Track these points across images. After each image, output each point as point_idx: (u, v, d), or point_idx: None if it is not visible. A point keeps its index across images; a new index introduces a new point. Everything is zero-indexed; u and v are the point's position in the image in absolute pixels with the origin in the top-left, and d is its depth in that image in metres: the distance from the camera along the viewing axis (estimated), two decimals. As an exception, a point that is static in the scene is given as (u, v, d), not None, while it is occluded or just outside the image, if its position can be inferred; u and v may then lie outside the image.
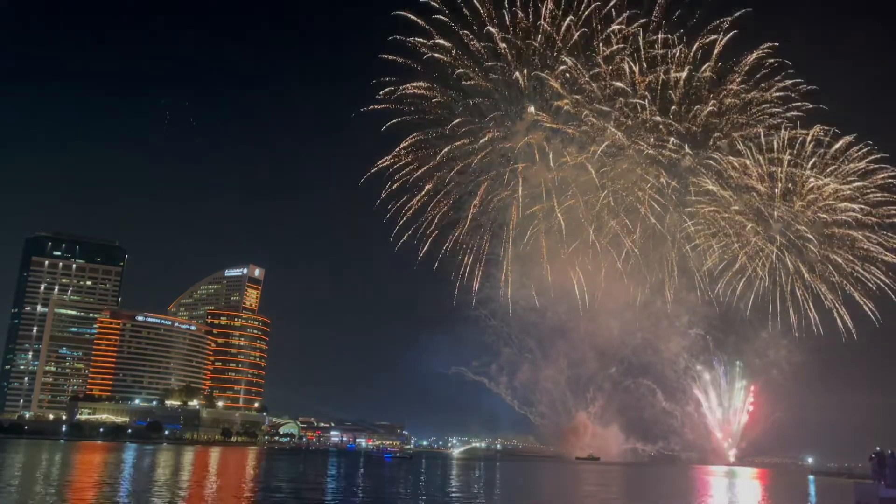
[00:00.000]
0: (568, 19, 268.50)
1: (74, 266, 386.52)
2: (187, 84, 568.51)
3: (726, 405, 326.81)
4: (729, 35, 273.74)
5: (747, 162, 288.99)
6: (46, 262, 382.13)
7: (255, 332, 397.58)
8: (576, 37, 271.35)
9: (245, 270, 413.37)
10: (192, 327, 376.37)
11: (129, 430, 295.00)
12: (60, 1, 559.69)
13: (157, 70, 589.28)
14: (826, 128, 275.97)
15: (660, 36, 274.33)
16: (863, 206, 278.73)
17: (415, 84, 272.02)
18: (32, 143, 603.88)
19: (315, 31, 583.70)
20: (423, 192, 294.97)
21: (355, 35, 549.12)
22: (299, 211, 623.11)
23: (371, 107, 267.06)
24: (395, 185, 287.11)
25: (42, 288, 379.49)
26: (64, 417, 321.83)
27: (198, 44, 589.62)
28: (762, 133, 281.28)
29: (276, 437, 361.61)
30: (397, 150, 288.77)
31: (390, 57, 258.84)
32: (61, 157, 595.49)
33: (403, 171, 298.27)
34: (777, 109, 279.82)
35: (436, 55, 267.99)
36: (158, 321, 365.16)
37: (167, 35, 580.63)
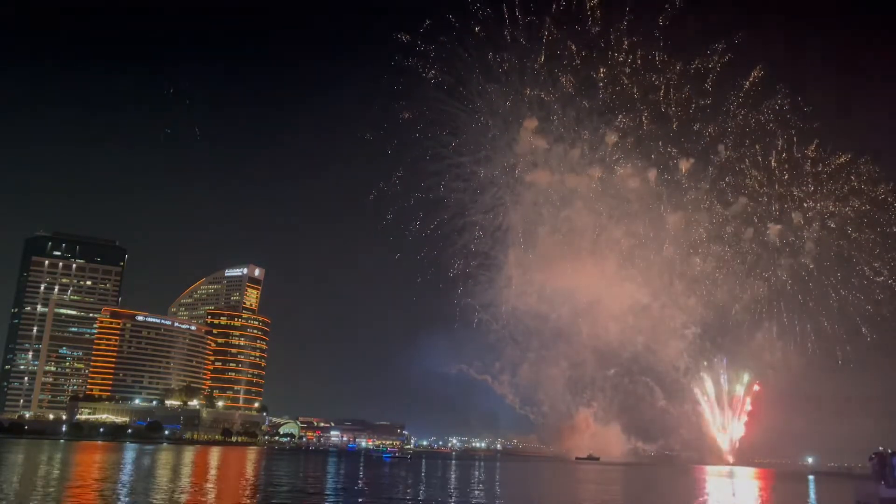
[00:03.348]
0: (569, 43, 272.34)
1: (74, 266, 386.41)
2: (188, 84, 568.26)
3: (726, 405, 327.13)
4: (726, 57, 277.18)
5: (746, 181, 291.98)
6: (46, 262, 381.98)
7: (255, 332, 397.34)
8: (577, 60, 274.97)
9: (245, 270, 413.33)
10: (192, 327, 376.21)
11: (130, 430, 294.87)
12: (60, 1, 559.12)
13: (158, 71, 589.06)
14: (823, 146, 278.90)
15: (658, 56, 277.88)
16: (859, 222, 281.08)
17: (421, 95, 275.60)
18: (32, 142, 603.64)
19: (317, 33, 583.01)
20: (428, 198, 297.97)
21: (359, 41, 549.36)
22: (299, 211, 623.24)
23: (374, 132, 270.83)
24: (400, 191, 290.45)
25: (42, 288, 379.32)
26: (64, 417, 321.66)
27: (199, 45, 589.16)
28: (759, 149, 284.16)
29: (276, 437, 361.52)
30: (403, 156, 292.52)
31: (391, 77, 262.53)
32: (61, 156, 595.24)
33: (408, 178, 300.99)
34: (775, 128, 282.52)
35: (441, 71, 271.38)
36: (158, 321, 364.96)
37: (169, 36, 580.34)
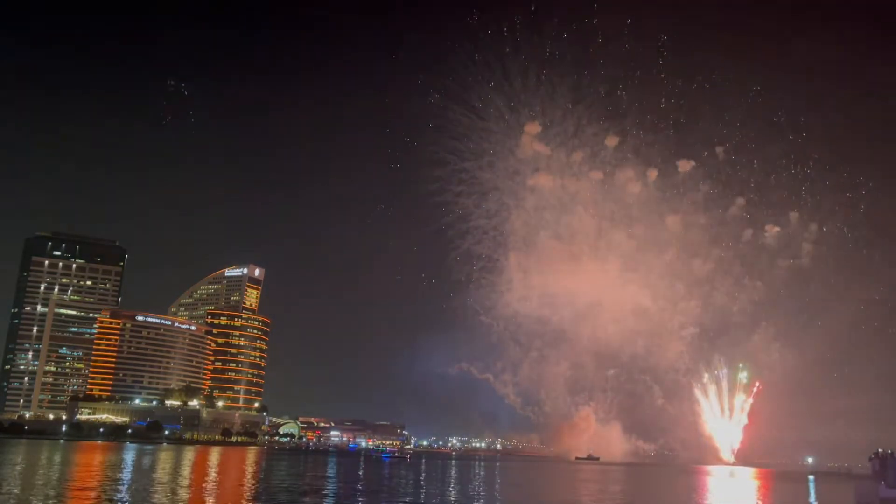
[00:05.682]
0: (568, 56, 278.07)
1: (74, 266, 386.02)
2: (188, 84, 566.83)
3: (725, 405, 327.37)
4: (722, 75, 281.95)
5: (745, 185, 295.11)
6: (46, 262, 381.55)
7: (255, 332, 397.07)
8: (577, 76, 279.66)
9: (245, 270, 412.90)
10: (192, 327, 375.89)
11: (130, 430, 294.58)
12: (60, 1, 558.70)
13: (157, 70, 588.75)
14: (822, 161, 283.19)
15: (655, 72, 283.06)
16: (856, 238, 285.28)
17: (425, 103, 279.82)
18: (32, 142, 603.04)
19: (316, 33, 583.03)
20: (432, 202, 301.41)
21: (364, 46, 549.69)
22: (300, 211, 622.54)
23: (378, 138, 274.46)
24: (403, 194, 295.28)
25: (42, 288, 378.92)
26: (64, 417, 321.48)
27: (199, 45, 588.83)
28: (757, 163, 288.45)
29: (276, 437, 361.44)
30: (407, 159, 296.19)
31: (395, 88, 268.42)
32: (61, 156, 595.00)
33: (412, 182, 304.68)
34: (773, 147, 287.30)
35: (446, 81, 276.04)
36: (158, 321, 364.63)
37: (169, 35, 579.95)
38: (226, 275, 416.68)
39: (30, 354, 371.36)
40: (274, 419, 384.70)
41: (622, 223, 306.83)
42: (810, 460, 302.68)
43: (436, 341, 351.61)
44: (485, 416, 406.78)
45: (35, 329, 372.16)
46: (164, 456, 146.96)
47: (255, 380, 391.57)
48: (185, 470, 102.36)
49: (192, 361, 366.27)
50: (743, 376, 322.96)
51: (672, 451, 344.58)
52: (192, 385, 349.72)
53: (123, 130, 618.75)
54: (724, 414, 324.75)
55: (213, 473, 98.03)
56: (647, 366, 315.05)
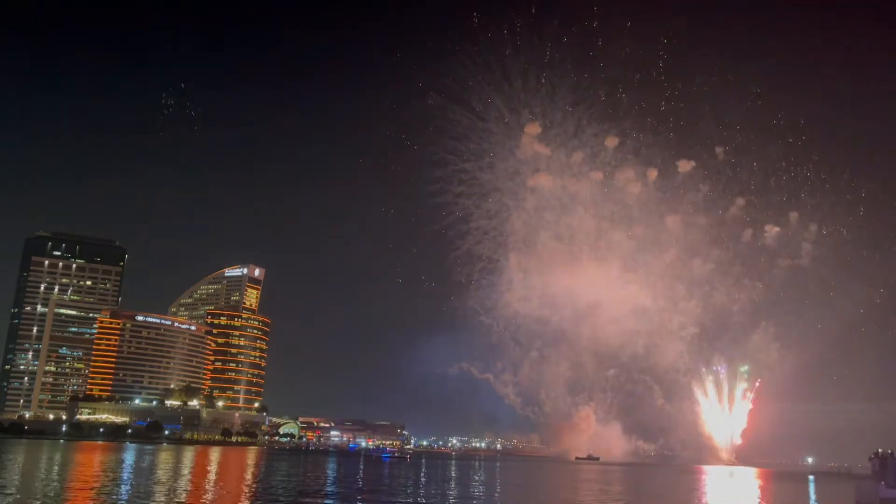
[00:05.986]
0: (568, 58, 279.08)
1: (74, 266, 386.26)
2: (189, 84, 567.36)
3: (725, 405, 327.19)
4: (722, 77, 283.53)
5: (744, 185, 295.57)
6: (46, 262, 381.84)
7: (255, 332, 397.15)
8: (576, 78, 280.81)
9: (245, 270, 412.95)
10: (192, 327, 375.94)
11: (130, 430, 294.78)
12: (61, 1, 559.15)
13: (158, 70, 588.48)
14: (821, 164, 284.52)
15: (654, 74, 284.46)
16: (855, 239, 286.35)
17: (426, 105, 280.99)
18: (32, 142, 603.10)
19: (316, 34, 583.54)
20: (433, 203, 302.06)
21: (355, 38, 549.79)
22: (300, 211, 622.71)
23: (379, 139, 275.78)
24: (404, 195, 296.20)
25: (42, 288, 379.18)
26: (64, 417, 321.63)
27: (200, 45, 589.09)
28: (756, 165, 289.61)
29: (276, 437, 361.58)
30: (408, 161, 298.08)
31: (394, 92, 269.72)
32: (61, 156, 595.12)
33: (413, 183, 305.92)
34: (773, 149, 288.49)
35: (446, 82, 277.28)
36: (158, 321, 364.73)
37: (169, 36, 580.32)
38: (226, 275, 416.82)
39: (30, 354, 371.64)
40: (274, 419, 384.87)
41: (622, 223, 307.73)
42: (810, 460, 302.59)
43: (436, 341, 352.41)
44: (485, 416, 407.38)
45: (35, 329, 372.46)
46: (164, 456, 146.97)
47: (255, 380, 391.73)
48: (185, 470, 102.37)
49: (192, 361, 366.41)
50: (744, 370, 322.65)
51: (672, 451, 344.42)
52: (192, 385, 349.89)
53: (124, 130, 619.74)
54: (722, 406, 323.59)
55: (213, 474, 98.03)
56: (647, 366, 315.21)
